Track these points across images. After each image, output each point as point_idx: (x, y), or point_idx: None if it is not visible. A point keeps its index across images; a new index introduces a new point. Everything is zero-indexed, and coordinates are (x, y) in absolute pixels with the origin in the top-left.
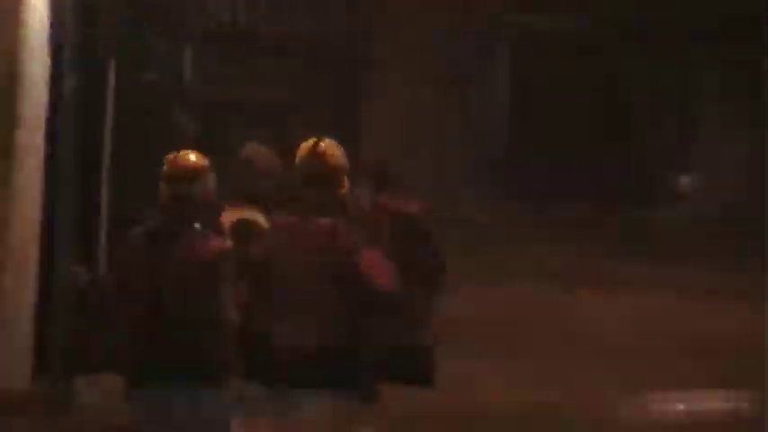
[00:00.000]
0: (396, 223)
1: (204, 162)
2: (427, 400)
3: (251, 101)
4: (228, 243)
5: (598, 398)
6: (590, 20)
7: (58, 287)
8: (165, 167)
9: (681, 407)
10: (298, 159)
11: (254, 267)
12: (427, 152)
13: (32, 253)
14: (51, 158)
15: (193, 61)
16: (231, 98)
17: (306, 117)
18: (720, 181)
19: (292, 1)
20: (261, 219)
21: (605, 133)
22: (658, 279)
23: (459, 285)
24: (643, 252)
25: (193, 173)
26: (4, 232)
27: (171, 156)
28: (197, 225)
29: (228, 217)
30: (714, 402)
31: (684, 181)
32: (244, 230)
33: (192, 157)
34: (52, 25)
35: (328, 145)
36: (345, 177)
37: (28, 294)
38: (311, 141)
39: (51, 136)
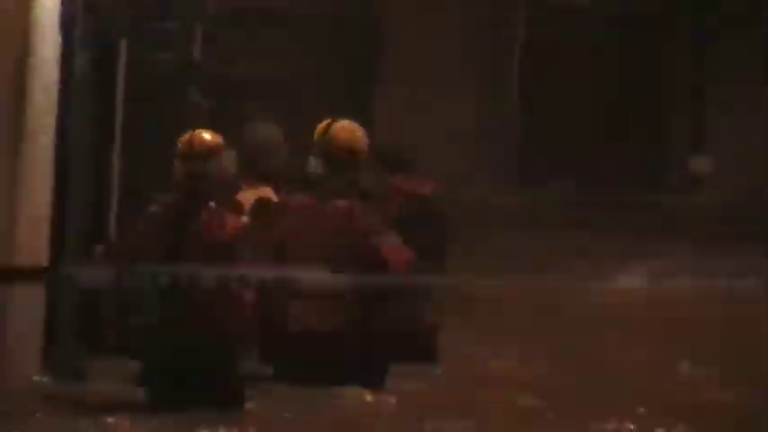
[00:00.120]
0: (410, 205)
1: (219, 140)
2: None
3: (263, 78)
4: (245, 222)
5: None
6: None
7: (68, 263)
8: (180, 146)
9: None
10: (315, 140)
11: (271, 248)
12: (441, 135)
13: (43, 230)
14: (62, 136)
15: (205, 39)
16: (243, 76)
17: (319, 96)
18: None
19: None
20: (273, 197)
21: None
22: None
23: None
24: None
25: (208, 151)
26: (15, 211)
27: (186, 134)
28: (212, 204)
29: (246, 196)
30: None
31: (700, 163)
32: (264, 209)
33: (208, 135)
34: (63, 4)
35: (343, 126)
36: (360, 159)
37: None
38: (324, 123)
39: (62, 115)
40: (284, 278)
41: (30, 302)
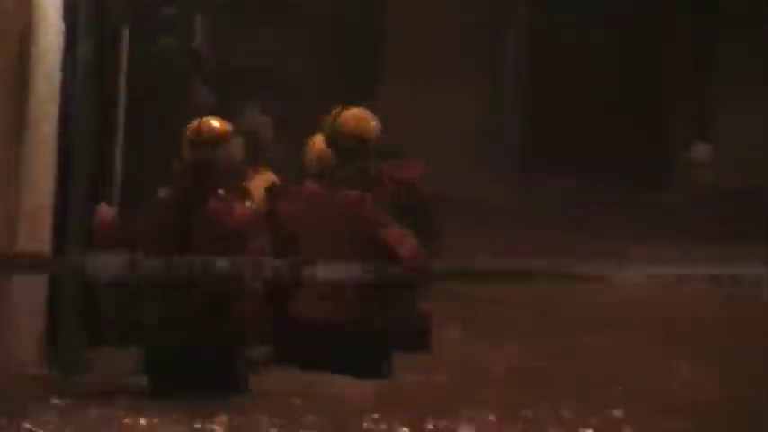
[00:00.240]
0: (399, 192)
1: (228, 128)
2: None
3: (265, 67)
4: (253, 209)
5: None
6: None
7: (71, 250)
8: (188, 133)
9: None
10: (324, 128)
11: (281, 236)
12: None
13: (46, 218)
14: (65, 125)
15: (208, 29)
16: (246, 65)
17: (321, 85)
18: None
19: None
20: (278, 182)
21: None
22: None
23: None
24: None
25: (217, 139)
26: (17, 199)
27: (194, 122)
28: (221, 191)
29: (257, 182)
30: None
31: (700, 151)
32: (279, 192)
33: (216, 123)
34: None
35: (353, 114)
36: (371, 148)
37: (42, 249)
38: (334, 111)
39: (65, 103)
40: (292, 266)
41: (31, 292)
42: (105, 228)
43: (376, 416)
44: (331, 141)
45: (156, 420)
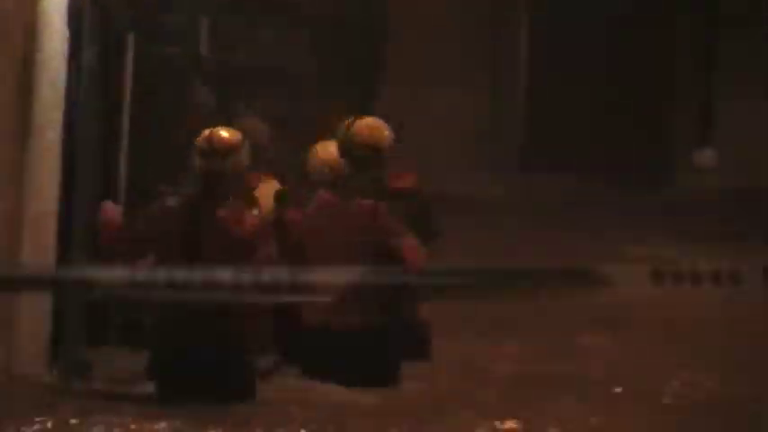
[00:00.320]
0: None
1: (238, 138)
2: None
3: (265, 67)
4: (262, 218)
5: None
6: None
7: (75, 257)
8: (199, 143)
9: None
10: (338, 137)
11: (289, 244)
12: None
13: (50, 224)
14: (70, 130)
15: (211, 32)
16: (245, 65)
17: (320, 85)
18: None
19: None
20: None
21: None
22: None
23: None
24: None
25: (228, 149)
26: (22, 203)
27: (206, 132)
28: (230, 200)
29: (262, 189)
30: None
31: (705, 156)
32: (285, 198)
33: (226, 133)
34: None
35: (367, 124)
36: (384, 157)
37: (47, 255)
38: (348, 120)
39: (70, 109)
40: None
41: (37, 297)
42: (111, 228)
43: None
44: (344, 150)
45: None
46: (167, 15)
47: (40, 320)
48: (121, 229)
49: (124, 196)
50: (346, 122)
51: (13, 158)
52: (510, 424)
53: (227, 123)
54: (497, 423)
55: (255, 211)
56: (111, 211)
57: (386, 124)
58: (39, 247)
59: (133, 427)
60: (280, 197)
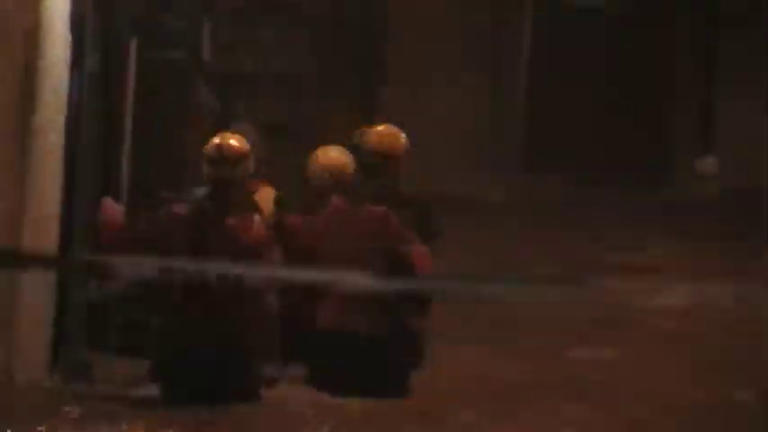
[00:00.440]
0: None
1: (246, 146)
2: None
3: (264, 68)
4: (266, 226)
5: None
6: None
7: (77, 259)
8: (208, 151)
9: None
10: (352, 144)
11: (294, 248)
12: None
13: (52, 228)
14: (72, 136)
15: (213, 36)
16: (245, 65)
17: (320, 85)
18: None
19: None
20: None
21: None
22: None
23: None
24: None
25: (237, 157)
26: (24, 204)
27: (215, 140)
28: (239, 207)
29: (261, 194)
30: None
31: (707, 164)
32: (285, 203)
33: (236, 142)
34: (73, 5)
35: (379, 131)
36: (396, 164)
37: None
38: (362, 127)
39: (72, 113)
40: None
41: (38, 300)
42: (112, 228)
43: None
44: (358, 157)
45: None
46: (168, 19)
47: (40, 323)
48: (123, 229)
49: (126, 198)
50: (361, 129)
51: (14, 160)
52: None
53: (222, 129)
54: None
55: (258, 217)
56: (112, 209)
57: (401, 132)
58: (40, 249)
59: None
60: (279, 202)
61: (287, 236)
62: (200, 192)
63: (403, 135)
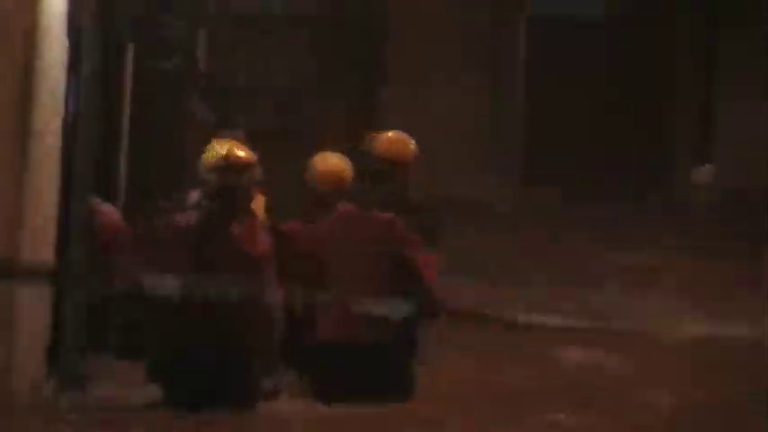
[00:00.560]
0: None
1: (253, 155)
2: None
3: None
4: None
5: None
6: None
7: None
8: (214, 160)
9: None
10: (361, 150)
11: (292, 254)
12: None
13: (49, 231)
14: (69, 138)
15: (210, 45)
16: (249, 74)
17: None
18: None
19: None
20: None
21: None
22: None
23: None
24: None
25: (244, 166)
26: (21, 212)
27: (221, 148)
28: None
29: (257, 201)
30: None
31: (703, 173)
32: (271, 210)
33: (242, 152)
34: (70, 7)
35: (388, 138)
36: (404, 170)
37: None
38: (370, 134)
39: (69, 117)
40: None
41: (36, 305)
42: (110, 231)
43: None
44: (366, 163)
45: None
46: (166, 26)
47: (39, 333)
48: (121, 231)
49: (123, 201)
50: (370, 135)
51: (12, 160)
52: None
53: (213, 136)
54: None
55: (260, 226)
56: (108, 211)
57: (410, 138)
58: (37, 252)
59: None
60: (268, 208)
61: (285, 242)
62: (195, 196)
63: (412, 141)
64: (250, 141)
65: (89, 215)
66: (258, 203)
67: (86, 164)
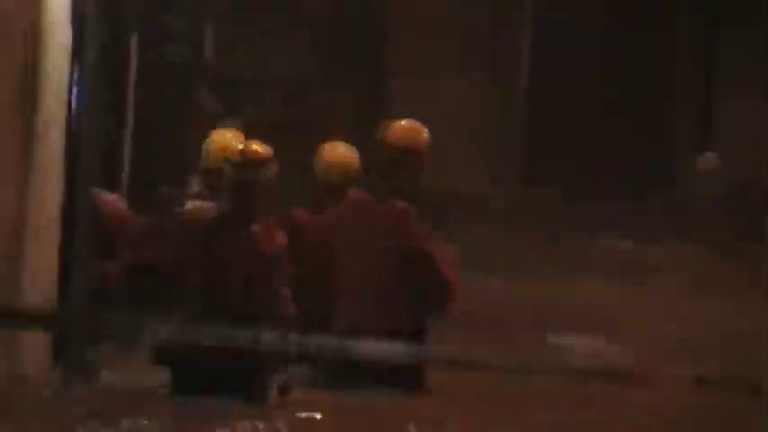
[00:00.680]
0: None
1: (270, 152)
2: None
3: (264, 68)
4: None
5: None
6: None
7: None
8: (232, 155)
9: None
10: (376, 139)
11: (312, 244)
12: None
13: (53, 228)
14: (73, 131)
15: (215, 35)
16: (254, 74)
17: (320, 86)
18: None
19: None
20: None
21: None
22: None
23: None
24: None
25: (262, 162)
26: (25, 207)
27: (240, 145)
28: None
29: None
30: None
31: (708, 160)
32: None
33: (259, 147)
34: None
35: (401, 126)
36: (417, 159)
37: (50, 262)
38: (385, 122)
39: (73, 110)
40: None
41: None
42: (117, 221)
43: None
44: (380, 151)
45: None
46: (172, 18)
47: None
48: (127, 221)
49: (126, 191)
50: (383, 124)
51: (16, 158)
52: None
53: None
54: None
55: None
56: (112, 201)
57: (423, 126)
58: (41, 255)
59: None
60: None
61: (293, 231)
62: (197, 184)
63: (425, 130)
64: (258, 132)
65: (94, 205)
66: None
67: (92, 156)
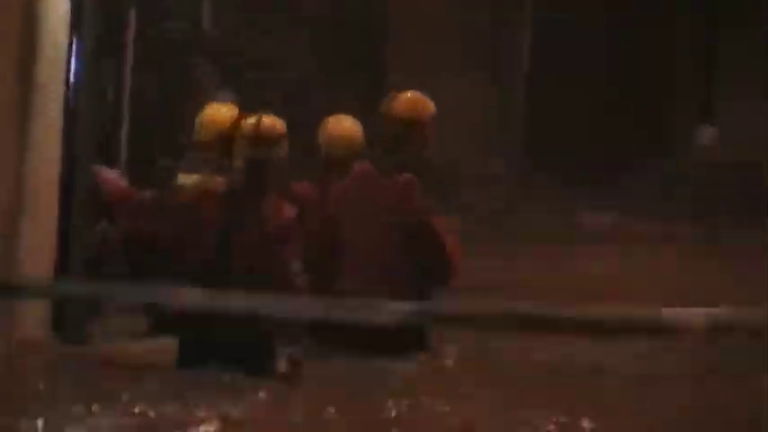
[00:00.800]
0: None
1: (284, 128)
2: None
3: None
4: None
5: None
6: None
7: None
8: (245, 131)
9: None
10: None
11: (316, 217)
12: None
13: (51, 206)
14: (71, 107)
15: (213, 12)
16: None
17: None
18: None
19: None
20: None
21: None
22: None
23: None
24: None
25: (276, 137)
26: (22, 182)
27: (253, 120)
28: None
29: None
30: None
31: (707, 133)
32: None
33: (273, 122)
34: None
35: (407, 98)
36: (422, 132)
37: (47, 241)
38: (391, 94)
39: (71, 86)
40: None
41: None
42: (120, 197)
43: None
44: (385, 124)
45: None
46: None
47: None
48: (130, 196)
49: (124, 168)
50: (389, 96)
51: (13, 138)
52: None
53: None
54: None
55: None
56: (112, 178)
57: (428, 98)
58: (40, 224)
59: (137, 410)
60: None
61: (296, 203)
62: (193, 158)
63: (431, 102)
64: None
65: (95, 183)
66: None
67: (90, 133)
